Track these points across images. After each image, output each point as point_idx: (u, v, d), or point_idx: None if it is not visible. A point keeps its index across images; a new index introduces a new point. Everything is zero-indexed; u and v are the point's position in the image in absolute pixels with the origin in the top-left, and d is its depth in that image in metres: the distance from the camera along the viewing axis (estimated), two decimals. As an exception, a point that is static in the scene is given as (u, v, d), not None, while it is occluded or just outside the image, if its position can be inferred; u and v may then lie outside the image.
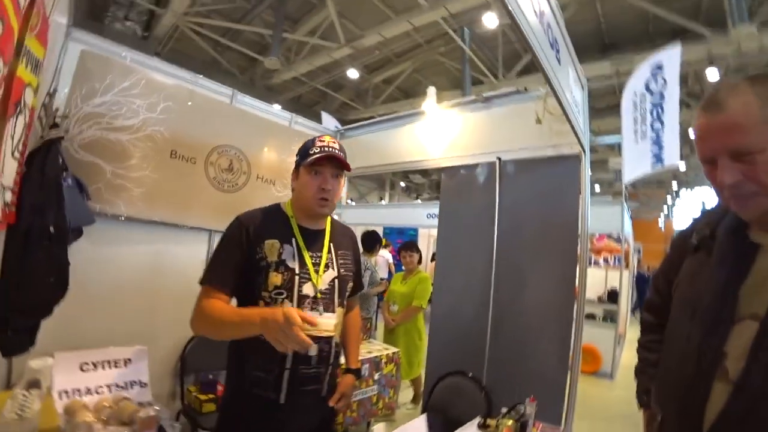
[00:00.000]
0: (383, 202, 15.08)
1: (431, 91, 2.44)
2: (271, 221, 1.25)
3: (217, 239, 2.46)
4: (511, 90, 2.27)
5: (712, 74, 5.96)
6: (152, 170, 2.14)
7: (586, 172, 1.98)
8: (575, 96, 1.84)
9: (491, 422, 1.50)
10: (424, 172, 13.79)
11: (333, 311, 1.24)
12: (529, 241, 2.18)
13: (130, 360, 1.50)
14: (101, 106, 1.95)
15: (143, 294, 2.19)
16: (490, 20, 5.59)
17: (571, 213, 2.03)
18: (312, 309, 1.19)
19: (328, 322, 1.11)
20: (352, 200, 13.21)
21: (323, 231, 1.32)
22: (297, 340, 0.94)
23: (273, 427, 1.19)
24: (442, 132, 2.58)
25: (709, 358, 0.76)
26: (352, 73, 7.96)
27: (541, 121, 2.05)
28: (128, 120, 2.04)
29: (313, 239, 1.28)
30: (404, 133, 2.84)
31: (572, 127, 1.75)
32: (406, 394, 3.70)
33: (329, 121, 4.80)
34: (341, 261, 1.31)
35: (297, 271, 1.20)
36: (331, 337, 1.21)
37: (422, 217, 4.91)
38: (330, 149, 1.23)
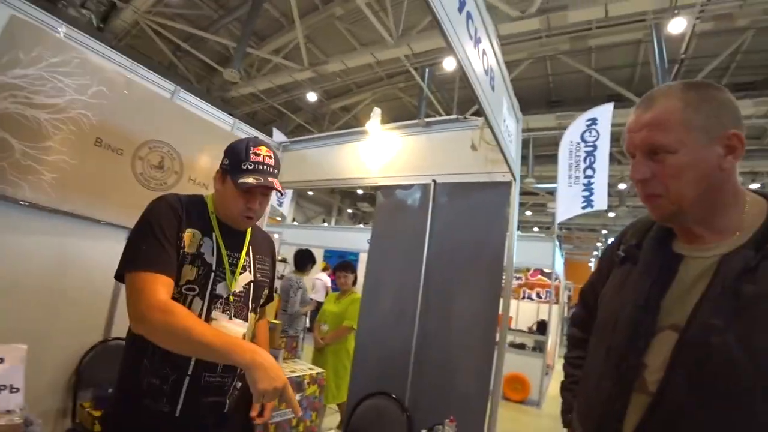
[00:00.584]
0: (325, 224, 14.86)
1: (376, 111, 2.51)
2: (194, 210, 1.13)
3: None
4: (451, 117, 2.40)
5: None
6: (71, 156, 1.97)
7: (516, 198, 2.10)
8: (509, 126, 1.98)
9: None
10: (372, 200, 13.91)
11: (245, 317, 1.16)
12: (457, 264, 2.23)
13: (2, 360, 1.30)
14: (23, 78, 1.79)
15: (42, 292, 1.95)
16: (450, 64, 5.95)
17: (499, 238, 2.11)
18: (223, 311, 1.11)
19: (237, 329, 1.05)
20: (295, 221, 12.94)
21: (244, 233, 1.24)
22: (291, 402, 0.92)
23: None
24: (382, 152, 2.64)
25: (628, 370, 0.74)
26: (311, 96, 8.02)
27: (477, 148, 2.16)
28: (51, 98, 1.88)
29: (233, 239, 1.19)
30: (347, 151, 2.87)
31: (503, 153, 1.86)
32: (332, 419, 3.53)
33: (280, 138, 4.75)
34: (258, 266, 1.24)
35: (213, 268, 1.10)
36: None
37: (364, 242, 4.89)
38: (264, 170, 1.12)
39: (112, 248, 2.20)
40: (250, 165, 1.11)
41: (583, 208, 4.35)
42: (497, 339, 2.07)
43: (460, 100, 7.59)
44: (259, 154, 1.13)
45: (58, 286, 2.02)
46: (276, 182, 1.14)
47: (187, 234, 1.07)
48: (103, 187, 2.11)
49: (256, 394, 0.87)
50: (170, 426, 1.04)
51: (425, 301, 2.26)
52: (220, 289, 1.10)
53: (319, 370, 2.80)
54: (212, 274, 1.09)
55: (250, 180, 1.09)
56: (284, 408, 2.46)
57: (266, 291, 1.27)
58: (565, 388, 1.13)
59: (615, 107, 4.27)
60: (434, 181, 2.36)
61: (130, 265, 1.00)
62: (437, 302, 2.25)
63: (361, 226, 12.98)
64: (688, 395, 0.67)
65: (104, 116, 2.08)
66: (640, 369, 0.74)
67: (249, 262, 1.21)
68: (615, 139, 5.25)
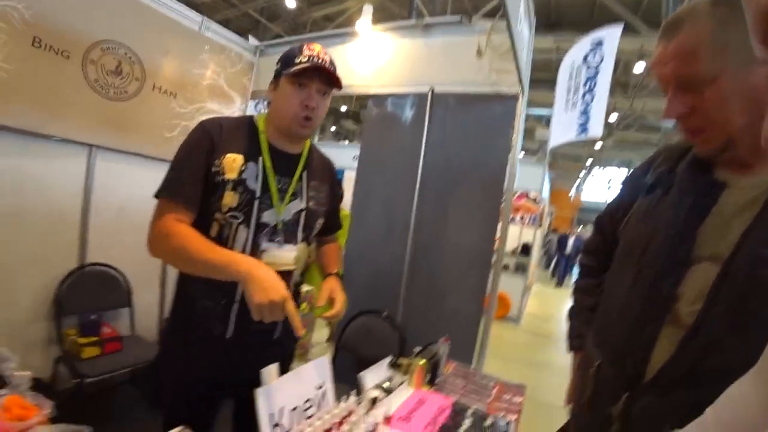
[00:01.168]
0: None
1: (368, 9, 2.15)
2: (238, 133, 1.05)
3: (100, 157, 2.11)
4: (453, 19, 2.08)
5: (640, 67, 6.43)
6: (3, 59, 1.64)
7: (522, 114, 1.92)
8: (523, 30, 1.72)
9: (403, 361, 1.44)
10: (356, 118, 13.28)
11: (294, 244, 1.09)
12: (453, 183, 2.09)
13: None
14: None
15: (-1, 221, 1.76)
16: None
17: (501, 158, 1.97)
18: (270, 240, 1.04)
19: (287, 255, 1.00)
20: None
21: (298, 156, 1.12)
22: (292, 319, 0.89)
23: (217, 364, 1.07)
24: (374, 57, 2.33)
25: (660, 301, 0.71)
26: (290, 3, 7.17)
27: (482, 54, 1.91)
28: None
29: (285, 163, 1.08)
30: (334, 55, 2.52)
31: (516, 61, 1.64)
32: (323, 333, 3.65)
33: (255, 43, 4.25)
34: (312, 193, 1.13)
35: (258, 195, 1.02)
36: (290, 272, 1.09)
37: (349, 159, 4.66)
38: (319, 60, 1.03)
39: (72, 167, 1.99)
40: (304, 58, 1.01)
41: (579, 134, 4.19)
42: (493, 261, 2.03)
43: (453, 10, 6.91)
44: (313, 49, 1.04)
45: (16, 212, 1.83)
46: (333, 70, 1.05)
47: (227, 159, 1.01)
48: (53, 98, 1.81)
49: (252, 308, 0.85)
50: (220, 348, 1.05)
51: (418, 220, 2.17)
52: (267, 216, 1.03)
53: (309, 287, 2.76)
54: (256, 201, 1.02)
55: (304, 62, 1.00)
56: None
57: (321, 220, 1.19)
58: (573, 314, 1.12)
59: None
60: (432, 90, 2.12)
61: (159, 190, 1.00)
62: (431, 222, 2.15)
63: (346, 143, 12.48)
64: (728, 329, 0.63)
65: (41, 11, 1.71)
66: (672, 300, 0.70)
67: (302, 188, 1.11)
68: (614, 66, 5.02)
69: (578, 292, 1.11)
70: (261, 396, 0.88)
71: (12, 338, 1.92)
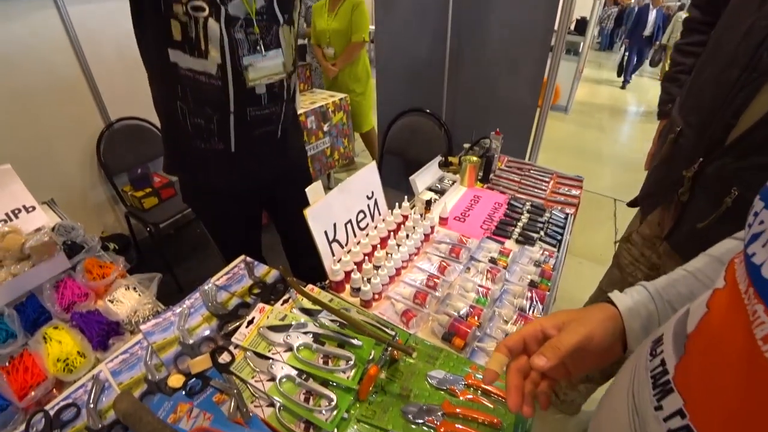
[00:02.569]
0: None
1: None
2: None
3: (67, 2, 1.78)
4: None
5: None
6: None
7: None
8: None
9: (453, 159, 1.34)
10: None
11: (275, 37, 0.92)
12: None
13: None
14: None
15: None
16: None
17: None
18: (247, 36, 0.87)
19: (273, 63, 0.88)
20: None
21: None
22: None
23: (234, 180, 1.05)
24: None
25: (763, 65, 0.59)
26: None
27: None
28: None
29: None
30: None
31: None
32: (360, 143, 3.40)
33: None
34: None
35: None
36: (282, 81, 0.98)
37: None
38: None
39: (51, 21, 1.74)
40: None
41: None
42: (553, 42, 1.66)
43: None
44: None
45: (19, 87, 1.71)
46: None
47: None
48: None
49: None
50: (230, 162, 1.01)
51: (457, 8, 1.75)
52: (234, 9, 0.84)
53: (341, 95, 2.56)
54: None
55: None
56: (314, 141, 2.43)
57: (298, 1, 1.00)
58: (669, 78, 1.00)
59: None
60: None
61: None
62: (474, 8, 1.73)
63: None
64: None
65: None
66: None
67: None
68: None
69: (678, 53, 0.98)
70: (310, 217, 0.83)
71: (81, 207, 2.06)
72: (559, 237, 1.06)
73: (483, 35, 1.77)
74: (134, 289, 0.91)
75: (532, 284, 0.88)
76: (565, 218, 1.15)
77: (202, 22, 0.82)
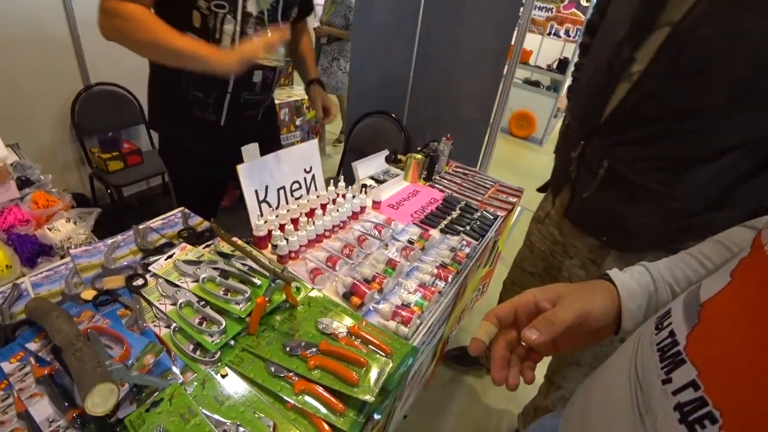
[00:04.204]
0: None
1: None
2: None
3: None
4: None
5: None
6: None
7: None
8: None
9: (402, 157, 1.44)
10: None
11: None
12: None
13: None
14: None
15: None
16: None
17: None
18: (256, 31, 1.03)
19: (280, 52, 0.98)
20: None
21: None
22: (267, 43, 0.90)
23: (215, 148, 1.15)
24: None
25: (619, 62, 0.78)
26: None
27: None
28: None
29: None
30: None
31: None
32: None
33: None
34: None
35: None
36: (276, 69, 1.16)
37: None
38: None
39: None
40: None
41: None
42: (505, 72, 1.83)
43: None
44: None
45: (7, 40, 1.76)
46: None
47: None
48: None
49: (234, 65, 0.87)
50: (215, 133, 1.16)
51: (427, 14, 1.93)
52: (251, 6, 1.00)
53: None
54: None
55: None
56: (285, 133, 2.53)
57: (296, 8, 1.16)
58: (569, 89, 1.18)
59: None
60: None
61: None
62: (441, 25, 1.91)
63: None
64: (666, 79, 0.70)
65: None
66: (630, 62, 0.76)
67: None
68: None
69: (575, 70, 1.13)
70: (243, 172, 0.91)
71: (49, 161, 2.08)
72: (483, 233, 1.14)
73: (448, 49, 1.93)
74: (75, 222, 0.97)
75: (442, 265, 0.96)
76: (495, 219, 1.24)
77: (221, 17, 0.96)
